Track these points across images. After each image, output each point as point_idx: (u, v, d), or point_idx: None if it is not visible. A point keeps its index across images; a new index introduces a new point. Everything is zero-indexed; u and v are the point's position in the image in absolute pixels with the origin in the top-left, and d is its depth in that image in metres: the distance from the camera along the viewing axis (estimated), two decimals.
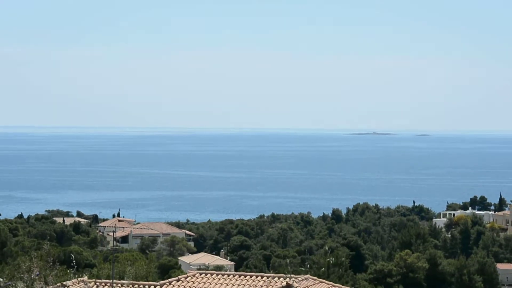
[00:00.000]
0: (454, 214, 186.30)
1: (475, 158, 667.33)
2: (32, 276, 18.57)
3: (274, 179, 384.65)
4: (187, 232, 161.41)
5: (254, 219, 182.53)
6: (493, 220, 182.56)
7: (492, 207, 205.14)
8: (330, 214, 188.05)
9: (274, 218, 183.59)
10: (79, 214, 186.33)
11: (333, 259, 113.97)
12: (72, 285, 24.86)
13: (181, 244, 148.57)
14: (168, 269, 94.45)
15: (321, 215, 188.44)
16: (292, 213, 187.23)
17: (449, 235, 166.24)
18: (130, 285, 42.06)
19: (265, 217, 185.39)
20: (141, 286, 46.64)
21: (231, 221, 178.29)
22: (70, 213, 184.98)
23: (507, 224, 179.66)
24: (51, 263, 27.25)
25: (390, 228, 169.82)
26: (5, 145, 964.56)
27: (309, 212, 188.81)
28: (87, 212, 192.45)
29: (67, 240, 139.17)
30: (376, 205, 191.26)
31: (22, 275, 18.82)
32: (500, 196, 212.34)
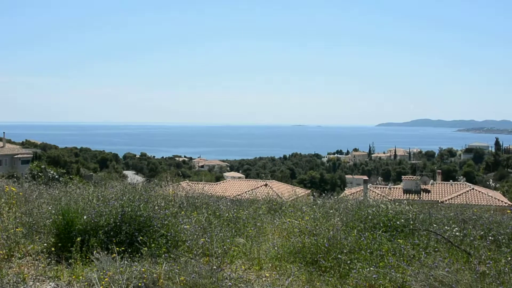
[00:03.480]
0: (331, 156, 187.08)
1: (332, 135, 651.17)
2: (168, 179, 18.44)
3: (258, 143, 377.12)
4: (227, 163, 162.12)
5: (252, 158, 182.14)
6: (344, 158, 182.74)
7: (345, 153, 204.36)
8: (281, 157, 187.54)
9: (260, 158, 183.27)
10: (185, 156, 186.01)
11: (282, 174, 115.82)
12: (181, 184, 25.08)
13: (224, 168, 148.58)
14: (219, 178, 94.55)
15: (279, 157, 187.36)
16: (267, 157, 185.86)
17: (327, 165, 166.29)
18: (205, 184, 41.63)
19: (257, 158, 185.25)
20: (208, 184, 46.65)
21: (243, 159, 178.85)
22: (179, 156, 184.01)
23: (349, 160, 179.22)
24: (174, 175, 27.46)
25: (305, 162, 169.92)
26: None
27: (273, 156, 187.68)
28: (188, 155, 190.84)
29: (180, 167, 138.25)
30: (300, 154, 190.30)
31: (163, 180, 18.80)
32: (347, 149, 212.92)
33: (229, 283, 6.37)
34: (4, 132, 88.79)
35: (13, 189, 10.99)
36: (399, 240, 8.34)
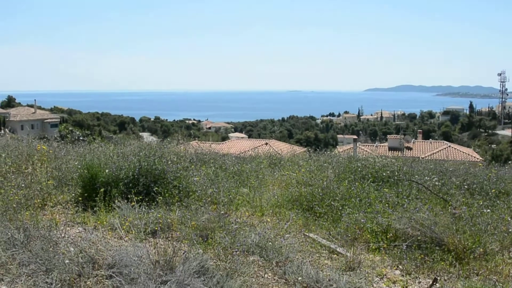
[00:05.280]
0: (324, 118, 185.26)
1: (326, 100, 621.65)
2: (179, 139, 18.33)
3: (258, 107, 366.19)
4: (231, 125, 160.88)
5: (254, 121, 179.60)
6: (336, 120, 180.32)
7: (337, 115, 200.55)
8: (280, 119, 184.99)
9: (261, 120, 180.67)
10: (194, 119, 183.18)
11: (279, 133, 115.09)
12: (191, 143, 24.55)
13: (229, 129, 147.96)
14: (225, 138, 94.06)
15: (277, 119, 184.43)
16: (267, 119, 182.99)
17: (321, 126, 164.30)
18: (212, 143, 41.24)
19: (258, 120, 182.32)
20: (214, 143, 46.24)
21: (246, 121, 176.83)
22: (189, 119, 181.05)
23: (341, 121, 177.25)
24: (185, 135, 27.25)
25: (301, 123, 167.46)
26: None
27: (272, 119, 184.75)
28: (196, 118, 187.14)
29: (190, 128, 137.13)
30: (297, 116, 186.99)
31: (175, 139, 18.68)
32: (339, 112, 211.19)
33: (235, 226, 6.45)
34: (35, 100, 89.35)
35: (44, 147, 11.07)
36: (385, 189, 8.41)
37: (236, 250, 5.66)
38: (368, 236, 6.84)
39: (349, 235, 6.81)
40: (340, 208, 7.69)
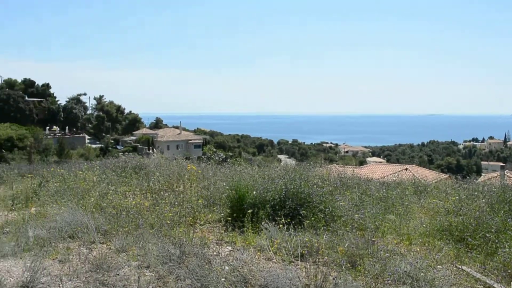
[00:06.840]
0: (466, 144, 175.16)
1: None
2: (321, 162, 17.98)
3: (404, 132, 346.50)
4: (369, 149, 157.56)
5: (392, 145, 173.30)
6: (480, 146, 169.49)
7: (481, 141, 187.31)
8: (419, 144, 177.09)
9: (400, 145, 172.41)
10: (331, 143, 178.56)
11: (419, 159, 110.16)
12: (331, 167, 22.30)
13: (366, 153, 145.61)
14: (362, 163, 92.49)
15: (417, 144, 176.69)
16: (406, 143, 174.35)
17: (463, 151, 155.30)
18: (352, 167, 38.71)
19: (397, 144, 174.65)
20: (353, 167, 45.21)
21: (384, 146, 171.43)
22: (326, 142, 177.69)
23: (485, 147, 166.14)
24: (325, 159, 26.89)
25: (442, 149, 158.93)
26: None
27: (411, 143, 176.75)
28: (334, 141, 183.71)
29: (327, 152, 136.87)
30: (437, 141, 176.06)
31: (317, 163, 18.46)
32: (483, 137, 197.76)
33: (386, 254, 6.29)
34: (180, 122, 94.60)
35: (194, 167, 11.62)
36: None
37: (388, 279, 5.52)
38: None
39: (508, 270, 6.37)
40: (496, 240, 7.23)
